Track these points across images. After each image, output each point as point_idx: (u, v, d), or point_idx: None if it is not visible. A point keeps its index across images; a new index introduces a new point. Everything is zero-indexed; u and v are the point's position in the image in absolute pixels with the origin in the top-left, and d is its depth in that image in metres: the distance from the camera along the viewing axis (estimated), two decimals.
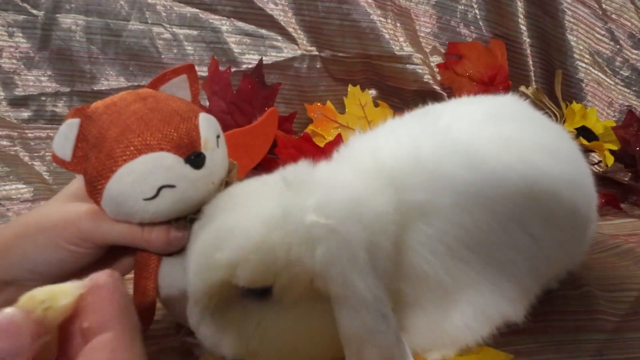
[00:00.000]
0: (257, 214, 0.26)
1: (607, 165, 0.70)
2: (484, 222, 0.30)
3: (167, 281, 0.35)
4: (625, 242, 0.53)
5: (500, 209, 0.31)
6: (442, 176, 0.30)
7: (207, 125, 0.32)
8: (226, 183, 0.34)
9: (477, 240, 0.30)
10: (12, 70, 0.80)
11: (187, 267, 0.28)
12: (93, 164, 0.30)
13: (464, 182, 0.30)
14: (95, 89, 0.82)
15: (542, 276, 0.36)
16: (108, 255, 0.34)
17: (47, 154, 0.82)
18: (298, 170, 0.30)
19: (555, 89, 0.79)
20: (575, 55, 0.85)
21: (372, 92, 0.87)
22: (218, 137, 0.33)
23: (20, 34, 0.79)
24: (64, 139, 0.30)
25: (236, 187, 0.30)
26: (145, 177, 0.29)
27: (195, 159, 0.30)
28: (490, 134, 0.34)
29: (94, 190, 0.31)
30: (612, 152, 0.70)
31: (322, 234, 0.25)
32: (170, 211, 0.31)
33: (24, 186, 0.73)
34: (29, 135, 0.81)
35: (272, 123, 0.62)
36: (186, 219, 0.32)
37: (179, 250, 0.33)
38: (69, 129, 0.30)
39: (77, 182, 0.34)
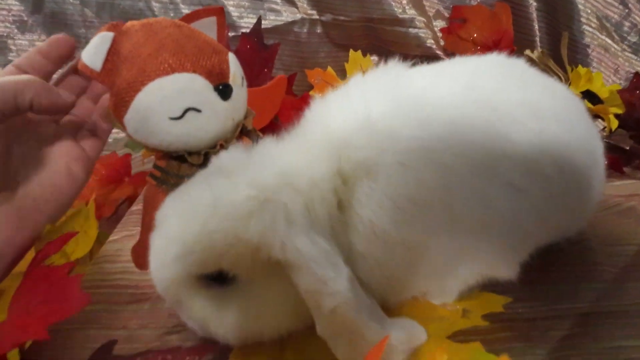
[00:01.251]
0: (194, 210, 0.27)
1: (611, 130, 0.69)
2: (433, 179, 0.29)
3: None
4: (627, 200, 0.53)
5: (458, 161, 0.29)
6: (388, 134, 0.29)
7: (235, 63, 0.34)
8: (243, 127, 0.35)
9: (425, 198, 0.29)
10: (5, 34, 0.78)
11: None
12: (124, 76, 0.31)
13: (410, 138, 0.29)
14: None
15: (531, 234, 0.34)
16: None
17: None
18: (231, 155, 0.30)
19: (561, 52, 0.77)
20: (582, 19, 0.83)
21: (374, 58, 0.85)
22: (242, 78, 0.35)
23: None
24: (94, 50, 0.31)
25: (178, 190, 0.31)
26: (175, 95, 0.30)
27: (224, 89, 0.32)
28: (457, 87, 0.33)
29: (120, 102, 0.31)
30: (616, 116, 0.69)
31: (254, 206, 0.26)
32: (190, 137, 0.32)
33: None
34: None
35: (281, 89, 0.62)
36: (200, 152, 0.32)
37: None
38: (102, 41, 0.31)
39: None
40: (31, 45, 0.79)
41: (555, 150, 0.34)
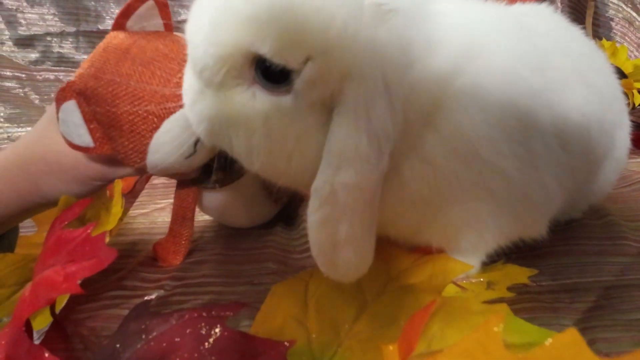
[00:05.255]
0: None
1: (634, 105, 0.68)
2: (524, 105, 0.27)
3: (211, 200, 0.38)
4: None
5: (537, 108, 0.28)
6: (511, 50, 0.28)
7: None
8: None
9: (514, 120, 0.27)
10: (14, 8, 0.77)
11: (195, 32, 0.22)
12: (122, 143, 0.30)
13: (519, 56, 0.28)
14: (101, 28, 0.79)
15: (565, 188, 0.32)
16: None
17: None
18: None
19: (586, 23, 0.74)
20: None
21: None
22: None
23: None
24: (73, 126, 0.29)
25: None
26: (178, 142, 0.29)
27: None
28: (548, 27, 0.34)
29: (136, 164, 0.31)
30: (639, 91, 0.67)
31: (381, 16, 0.20)
32: (211, 153, 0.32)
33: None
34: (38, 77, 0.79)
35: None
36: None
37: (217, 186, 0.35)
38: (69, 114, 0.29)
39: None
40: (41, 18, 0.78)
41: (600, 109, 0.33)
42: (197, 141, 0.29)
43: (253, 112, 0.23)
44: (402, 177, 0.26)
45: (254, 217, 0.42)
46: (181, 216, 0.36)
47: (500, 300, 0.31)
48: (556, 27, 0.35)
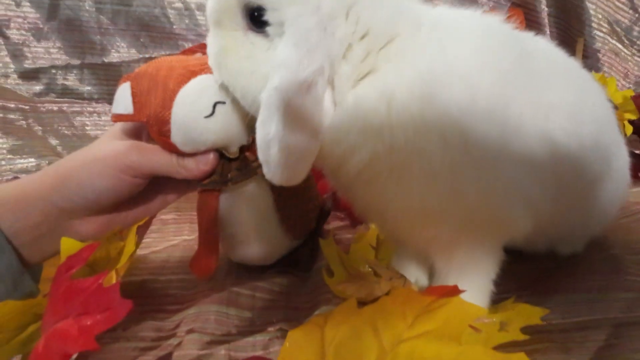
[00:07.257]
0: None
1: (625, 135, 0.70)
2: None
3: (225, 217, 0.39)
4: None
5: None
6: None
7: None
8: None
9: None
10: (21, 42, 0.78)
11: None
12: (155, 102, 0.35)
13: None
14: (106, 61, 0.80)
15: (535, 203, 0.33)
16: (149, 189, 0.38)
17: (59, 127, 0.81)
18: None
19: (576, 58, 0.77)
20: (594, 25, 0.84)
21: None
22: None
23: (28, 4, 0.77)
24: (122, 100, 0.36)
25: None
26: (200, 95, 0.35)
27: None
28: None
29: (162, 124, 0.35)
30: (630, 122, 0.70)
31: None
32: (227, 129, 0.35)
33: (39, 160, 0.73)
34: (41, 109, 0.80)
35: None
36: (236, 146, 0.37)
37: (230, 184, 0.38)
38: (123, 91, 0.36)
39: (117, 127, 0.39)
40: (46, 52, 0.79)
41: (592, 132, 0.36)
42: (215, 104, 0.34)
43: (242, 43, 0.31)
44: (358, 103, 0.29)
45: (265, 243, 0.42)
46: (205, 225, 0.38)
47: (514, 344, 0.32)
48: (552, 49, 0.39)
